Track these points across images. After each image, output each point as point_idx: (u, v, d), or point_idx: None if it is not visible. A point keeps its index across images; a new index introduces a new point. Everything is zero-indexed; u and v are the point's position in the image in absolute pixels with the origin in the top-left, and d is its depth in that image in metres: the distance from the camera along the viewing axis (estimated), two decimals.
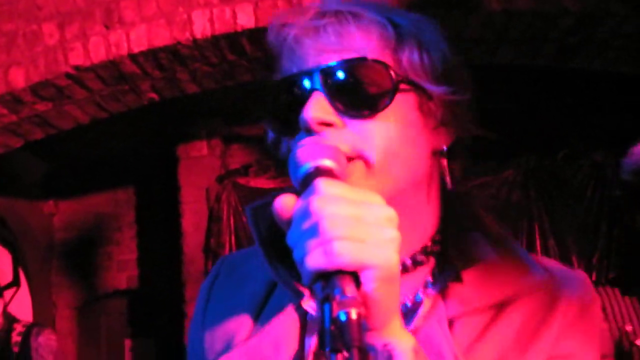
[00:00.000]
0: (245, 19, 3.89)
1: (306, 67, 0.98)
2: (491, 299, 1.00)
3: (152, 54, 4.05)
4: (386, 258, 0.78)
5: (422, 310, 1.01)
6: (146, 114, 4.91)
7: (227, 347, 1.07)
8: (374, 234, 0.78)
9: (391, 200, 0.86)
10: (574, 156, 5.48)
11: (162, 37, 3.98)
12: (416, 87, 1.00)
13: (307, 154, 0.89)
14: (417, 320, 1.00)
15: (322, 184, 0.81)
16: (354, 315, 0.72)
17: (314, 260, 0.76)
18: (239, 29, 3.91)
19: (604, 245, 5.34)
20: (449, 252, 1.04)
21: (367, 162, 0.95)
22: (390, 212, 0.81)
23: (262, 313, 1.09)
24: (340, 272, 0.75)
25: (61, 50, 4.12)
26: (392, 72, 0.97)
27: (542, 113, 5.45)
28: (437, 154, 1.07)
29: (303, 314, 1.04)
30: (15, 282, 6.42)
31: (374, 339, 0.82)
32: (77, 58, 4.09)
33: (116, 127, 5.28)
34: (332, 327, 0.73)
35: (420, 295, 1.03)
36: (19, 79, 4.18)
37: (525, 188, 5.52)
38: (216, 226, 5.73)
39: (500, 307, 1.00)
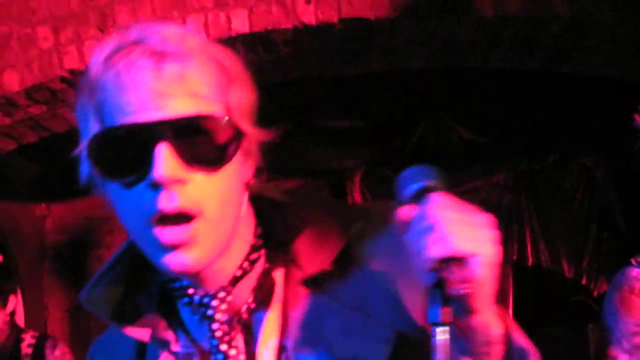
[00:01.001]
0: (240, 24, 3.92)
1: (147, 113, 0.94)
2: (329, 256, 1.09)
3: None
4: (488, 249, 0.89)
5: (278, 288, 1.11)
6: None
7: None
8: (477, 231, 0.90)
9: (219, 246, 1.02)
10: (565, 160, 5.52)
11: None
12: (243, 133, 1.02)
13: (416, 175, 1.00)
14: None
15: (435, 196, 0.94)
16: (469, 290, 0.88)
17: (434, 250, 0.87)
18: (233, 34, 3.94)
19: (594, 248, 5.38)
20: (271, 241, 1.12)
21: (207, 219, 0.98)
22: (486, 218, 0.92)
23: None
24: (453, 259, 0.87)
25: (56, 53, 4.14)
26: (235, 126, 0.99)
27: (533, 117, 5.49)
28: (247, 185, 1.10)
29: (176, 356, 1.12)
30: None
31: (476, 320, 0.93)
32: (71, 62, 4.11)
33: None
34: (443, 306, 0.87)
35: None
36: (13, 82, 4.20)
37: (515, 192, 5.55)
38: None
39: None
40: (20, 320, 6.29)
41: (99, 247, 6.92)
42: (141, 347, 1.15)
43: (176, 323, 1.13)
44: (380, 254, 1.09)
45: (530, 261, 5.42)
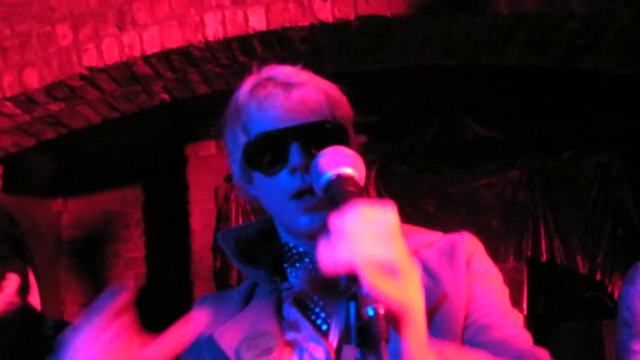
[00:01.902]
0: (257, 22, 3.94)
1: (282, 123, 1.36)
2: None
3: (165, 55, 4.11)
4: (400, 259, 0.93)
5: None
6: (155, 114, 4.95)
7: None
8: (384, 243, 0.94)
9: None
10: (579, 156, 5.52)
11: (175, 39, 4.03)
12: (346, 135, 1.42)
13: (329, 162, 1.18)
14: None
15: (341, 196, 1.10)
16: (381, 310, 0.86)
17: (329, 264, 0.91)
18: (250, 31, 3.97)
19: (608, 244, 5.38)
20: None
21: None
22: (393, 225, 0.96)
23: (245, 306, 1.46)
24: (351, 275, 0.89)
25: (75, 51, 4.17)
26: (341, 129, 1.41)
27: (548, 113, 5.49)
28: None
29: (277, 297, 1.42)
30: None
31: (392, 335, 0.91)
32: (90, 59, 4.14)
33: (125, 126, 5.33)
34: (357, 323, 0.85)
35: None
36: (32, 79, 4.24)
37: (530, 188, 5.55)
38: (225, 225, 5.75)
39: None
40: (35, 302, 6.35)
41: (115, 242, 6.97)
42: (253, 287, 1.50)
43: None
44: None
45: (544, 257, 5.42)
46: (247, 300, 1.47)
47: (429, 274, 1.33)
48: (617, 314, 2.89)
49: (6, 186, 5.47)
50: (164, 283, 6.56)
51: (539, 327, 5.09)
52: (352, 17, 3.88)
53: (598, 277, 5.34)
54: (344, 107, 1.46)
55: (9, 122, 4.51)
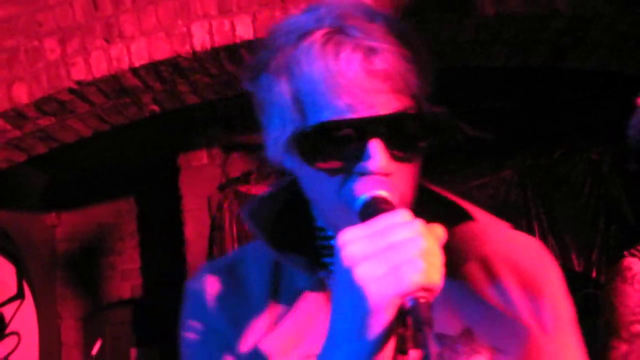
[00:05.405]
0: (244, 31, 3.95)
1: (359, 109, 0.99)
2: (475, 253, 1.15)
3: (153, 67, 4.11)
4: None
5: None
6: (146, 125, 4.95)
7: (250, 334, 1.15)
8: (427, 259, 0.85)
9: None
10: (570, 154, 5.53)
11: (163, 50, 4.03)
12: (437, 128, 1.11)
13: (364, 186, 1.00)
14: None
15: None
16: (422, 299, 0.82)
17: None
18: (237, 41, 3.97)
19: (602, 241, 5.39)
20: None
21: (402, 206, 1.02)
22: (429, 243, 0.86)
23: (276, 299, 1.17)
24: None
25: (63, 65, 4.17)
26: (431, 122, 1.08)
27: (537, 112, 5.50)
28: None
29: (323, 295, 1.13)
30: (20, 295, 6.45)
31: None
32: (79, 73, 4.14)
33: (117, 138, 5.33)
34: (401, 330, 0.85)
35: None
36: (22, 94, 4.23)
37: (522, 187, 5.56)
38: (219, 234, 5.76)
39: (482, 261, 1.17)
40: (34, 329, 6.34)
41: (110, 254, 6.97)
42: (276, 269, 1.20)
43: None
44: None
45: None
46: (274, 288, 1.18)
47: (498, 289, 1.15)
48: (600, 313, 2.91)
49: None
50: (160, 294, 6.56)
51: None
52: None
53: (594, 274, 5.35)
54: (428, 80, 1.09)
55: (0, 138, 4.51)
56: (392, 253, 0.84)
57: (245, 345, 1.14)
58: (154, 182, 6.64)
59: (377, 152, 0.99)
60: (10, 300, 6.17)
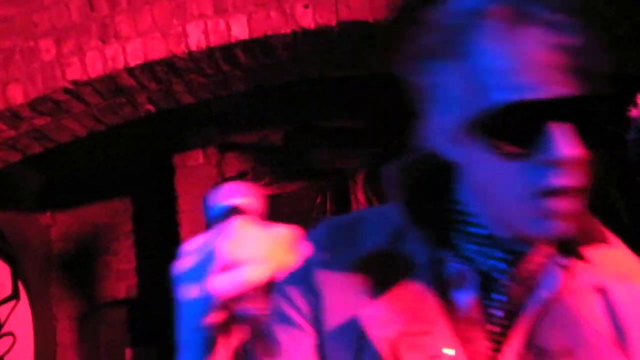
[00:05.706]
0: (239, 30, 3.95)
1: (548, 90, 0.91)
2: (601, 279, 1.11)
3: (149, 67, 4.10)
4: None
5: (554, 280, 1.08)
6: (141, 125, 4.95)
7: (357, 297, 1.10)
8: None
9: None
10: None
11: (158, 50, 4.03)
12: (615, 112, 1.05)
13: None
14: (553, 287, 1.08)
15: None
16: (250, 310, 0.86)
17: None
18: (232, 40, 3.97)
19: None
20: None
21: (584, 196, 1.01)
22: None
23: (388, 268, 1.11)
24: None
25: (58, 65, 4.17)
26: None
27: None
28: None
29: (439, 274, 1.08)
30: (15, 295, 6.44)
31: None
32: (74, 73, 4.14)
33: (112, 138, 5.32)
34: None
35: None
36: (17, 95, 4.23)
37: None
38: None
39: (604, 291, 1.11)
40: (29, 329, 6.33)
41: (106, 254, 6.96)
42: (397, 238, 1.13)
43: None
44: None
45: None
46: (390, 255, 1.11)
47: (614, 322, 1.08)
48: None
49: None
50: (156, 294, 6.55)
51: None
52: (333, 22, 3.89)
53: None
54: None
55: None
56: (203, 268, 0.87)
57: (340, 305, 1.10)
58: (150, 182, 6.64)
59: (567, 137, 0.92)
60: (5, 300, 6.15)
